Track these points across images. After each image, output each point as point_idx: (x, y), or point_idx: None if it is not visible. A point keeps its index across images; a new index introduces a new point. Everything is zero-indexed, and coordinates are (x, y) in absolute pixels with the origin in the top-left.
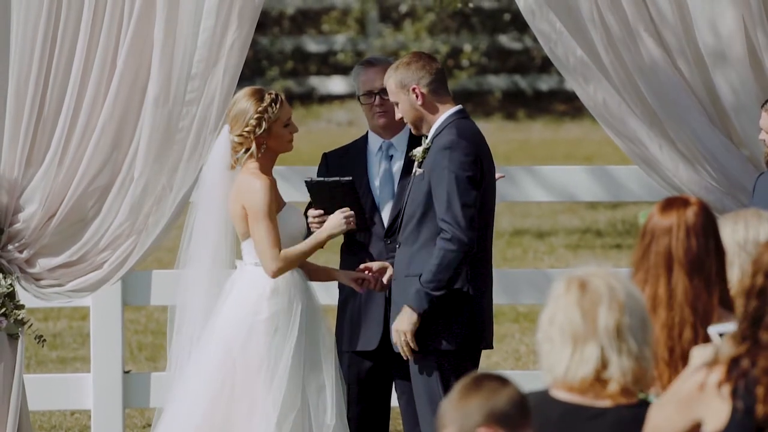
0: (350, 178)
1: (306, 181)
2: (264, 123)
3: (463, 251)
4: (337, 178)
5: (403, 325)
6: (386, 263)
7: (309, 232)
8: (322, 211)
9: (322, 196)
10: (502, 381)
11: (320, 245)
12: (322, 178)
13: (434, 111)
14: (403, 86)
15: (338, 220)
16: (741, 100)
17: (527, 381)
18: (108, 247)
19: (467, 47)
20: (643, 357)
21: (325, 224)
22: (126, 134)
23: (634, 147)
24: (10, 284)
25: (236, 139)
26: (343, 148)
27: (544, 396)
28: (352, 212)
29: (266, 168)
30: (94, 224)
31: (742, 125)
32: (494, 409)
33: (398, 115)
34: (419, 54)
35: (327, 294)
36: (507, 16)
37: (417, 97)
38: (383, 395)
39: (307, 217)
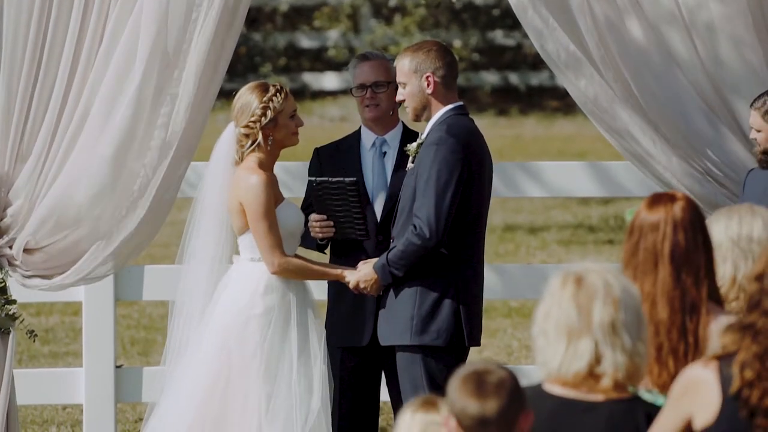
0: (355, 179)
1: (310, 181)
2: (270, 112)
3: (424, 247)
4: (341, 179)
5: (369, 284)
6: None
7: (308, 234)
8: (324, 217)
9: (325, 198)
10: (497, 384)
11: (325, 278)
12: (326, 178)
13: (441, 103)
14: (417, 71)
15: (370, 276)
16: (741, 88)
17: (519, 376)
18: (89, 236)
19: (458, 43)
20: (636, 353)
21: (360, 274)
22: (111, 126)
23: (626, 142)
24: (2, 279)
25: (242, 130)
26: (335, 144)
27: (537, 390)
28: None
29: (268, 164)
30: (76, 214)
31: (740, 114)
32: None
33: (399, 98)
34: (439, 43)
35: (321, 289)
36: (497, 12)
37: (429, 85)
38: (373, 390)
39: (307, 220)
